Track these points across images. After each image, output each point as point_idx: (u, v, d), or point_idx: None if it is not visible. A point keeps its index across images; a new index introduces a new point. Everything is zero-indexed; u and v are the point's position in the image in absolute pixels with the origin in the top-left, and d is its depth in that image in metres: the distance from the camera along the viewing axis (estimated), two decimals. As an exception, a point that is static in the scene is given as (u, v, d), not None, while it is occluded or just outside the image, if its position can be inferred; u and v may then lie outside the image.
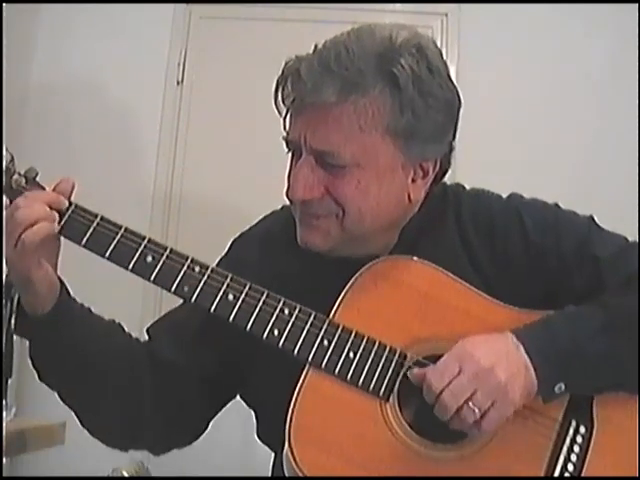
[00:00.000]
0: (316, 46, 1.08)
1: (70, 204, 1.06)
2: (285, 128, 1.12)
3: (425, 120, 1.06)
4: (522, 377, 1.01)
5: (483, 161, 2.48)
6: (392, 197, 1.11)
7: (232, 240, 1.30)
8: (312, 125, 1.06)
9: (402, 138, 1.07)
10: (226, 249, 1.29)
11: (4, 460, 1.22)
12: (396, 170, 1.09)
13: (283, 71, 1.08)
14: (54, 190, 1.06)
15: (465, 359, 1.00)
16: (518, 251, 1.14)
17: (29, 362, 1.11)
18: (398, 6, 2.73)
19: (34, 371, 1.12)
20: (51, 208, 1.03)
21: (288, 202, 1.14)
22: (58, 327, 1.07)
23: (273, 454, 1.24)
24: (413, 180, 1.12)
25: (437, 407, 1.00)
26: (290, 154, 1.13)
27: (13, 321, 1.09)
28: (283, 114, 1.11)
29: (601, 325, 1.06)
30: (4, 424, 1.16)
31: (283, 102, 1.09)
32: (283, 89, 1.08)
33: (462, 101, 1.13)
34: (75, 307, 1.12)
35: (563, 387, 1.03)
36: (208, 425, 1.23)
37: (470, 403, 0.98)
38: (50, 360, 1.10)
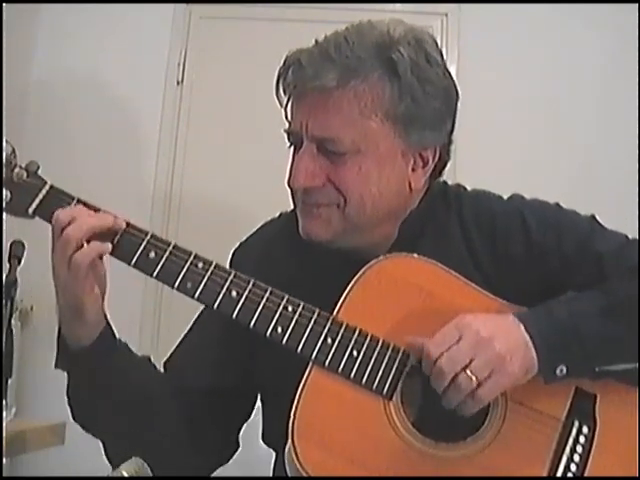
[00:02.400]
0: (317, 40, 1.10)
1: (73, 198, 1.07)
2: (286, 118, 1.13)
3: (424, 106, 1.09)
4: (521, 353, 1.01)
5: (483, 161, 2.48)
6: (393, 185, 1.12)
7: (232, 251, 1.30)
8: (313, 112, 1.08)
9: (401, 124, 1.09)
10: (228, 261, 1.28)
11: (4, 460, 1.21)
12: (396, 157, 1.11)
13: (284, 62, 1.10)
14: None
15: (465, 328, 1.01)
16: (520, 251, 1.15)
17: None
18: (398, 6, 2.73)
19: (68, 407, 1.12)
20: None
21: (289, 192, 1.15)
22: (103, 358, 1.07)
23: (274, 454, 1.24)
24: (413, 169, 1.14)
25: (434, 375, 1.00)
26: (292, 148, 1.14)
27: (54, 356, 1.08)
28: (284, 103, 1.12)
29: (601, 308, 1.06)
30: (4, 424, 1.16)
31: (284, 91, 1.11)
32: (285, 79, 1.10)
33: (459, 93, 1.15)
34: (114, 337, 1.11)
35: (564, 370, 1.03)
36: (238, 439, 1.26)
37: (468, 371, 0.98)
38: (92, 392, 1.09)
